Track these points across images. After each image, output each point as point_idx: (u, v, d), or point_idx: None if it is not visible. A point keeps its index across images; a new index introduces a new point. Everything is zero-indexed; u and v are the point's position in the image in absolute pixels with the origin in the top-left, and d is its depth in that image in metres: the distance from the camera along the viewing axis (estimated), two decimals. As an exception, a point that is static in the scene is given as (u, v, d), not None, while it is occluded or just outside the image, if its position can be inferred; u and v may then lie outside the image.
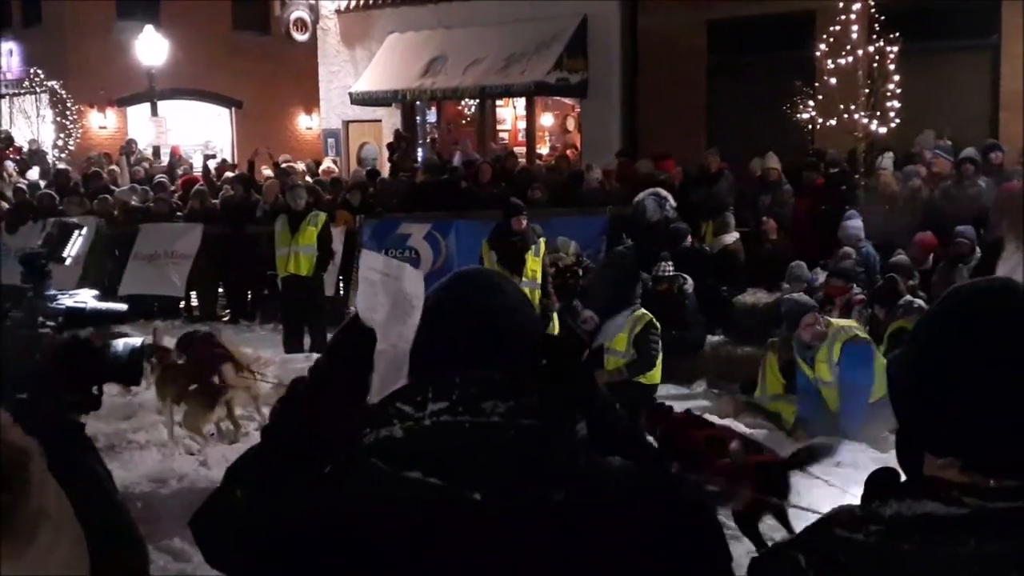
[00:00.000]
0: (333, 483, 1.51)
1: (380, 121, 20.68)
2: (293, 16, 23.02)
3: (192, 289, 14.49)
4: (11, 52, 25.38)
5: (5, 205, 16.28)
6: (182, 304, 14.64)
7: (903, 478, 1.39)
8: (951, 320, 1.38)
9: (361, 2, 20.57)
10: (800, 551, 1.35)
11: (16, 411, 1.22)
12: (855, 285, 9.77)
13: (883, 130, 13.07)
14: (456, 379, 1.52)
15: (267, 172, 17.77)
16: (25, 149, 22.11)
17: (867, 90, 13.20)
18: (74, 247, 3.03)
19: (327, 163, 19.67)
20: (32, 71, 24.03)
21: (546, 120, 21.48)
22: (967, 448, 1.32)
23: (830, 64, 13.35)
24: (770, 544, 5.14)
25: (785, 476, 5.51)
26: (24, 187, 17.07)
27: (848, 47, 13.32)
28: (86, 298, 2.59)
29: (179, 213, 15.18)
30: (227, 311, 14.58)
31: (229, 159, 23.16)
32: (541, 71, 17.30)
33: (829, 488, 5.83)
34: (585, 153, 17.97)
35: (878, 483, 1.37)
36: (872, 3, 13.50)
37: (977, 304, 1.38)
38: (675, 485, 1.56)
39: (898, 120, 13.07)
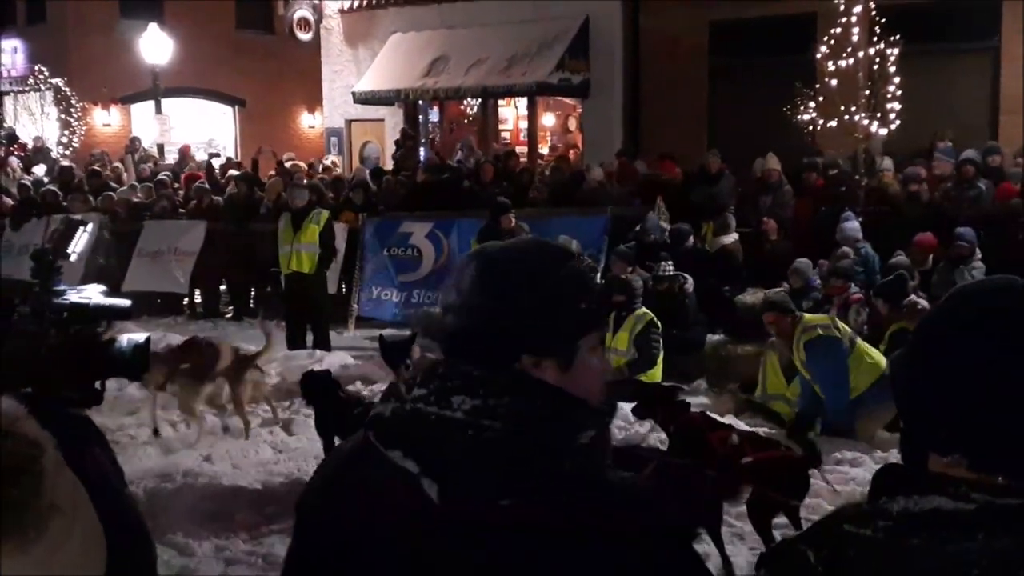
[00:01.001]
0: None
1: (383, 120, 20.73)
2: (297, 15, 23.09)
3: (195, 286, 14.56)
4: (15, 50, 25.45)
5: (9, 202, 16.37)
6: (185, 301, 14.71)
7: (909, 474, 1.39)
8: (955, 319, 1.38)
9: (364, 2, 20.62)
10: (809, 546, 1.35)
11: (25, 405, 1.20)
12: (852, 284, 9.82)
13: (883, 132, 13.11)
14: (441, 368, 1.52)
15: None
16: (30, 146, 22.18)
17: (868, 92, 13.24)
18: (79, 244, 3.08)
19: (328, 161, 19.73)
20: (36, 68, 24.10)
21: (548, 120, 21.51)
22: (972, 447, 1.32)
23: (831, 66, 13.39)
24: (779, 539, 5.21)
25: (805, 475, 5.53)
26: (28, 184, 17.16)
27: (849, 49, 13.36)
28: (92, 294, 2.62)
29: (182, 210, 15.24)
30: (230, 308, 14.64)
31: (233, 157, 23.23)
32: (543, 71, 17.33)
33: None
34: (587, 153, 18.02)
35: (885, 479, 1.37)
36: (873, 5, 13.54)
37: (981, 303, 1.38)
38: (663, 517, 1.47)
39: (899, 122, 13.10)
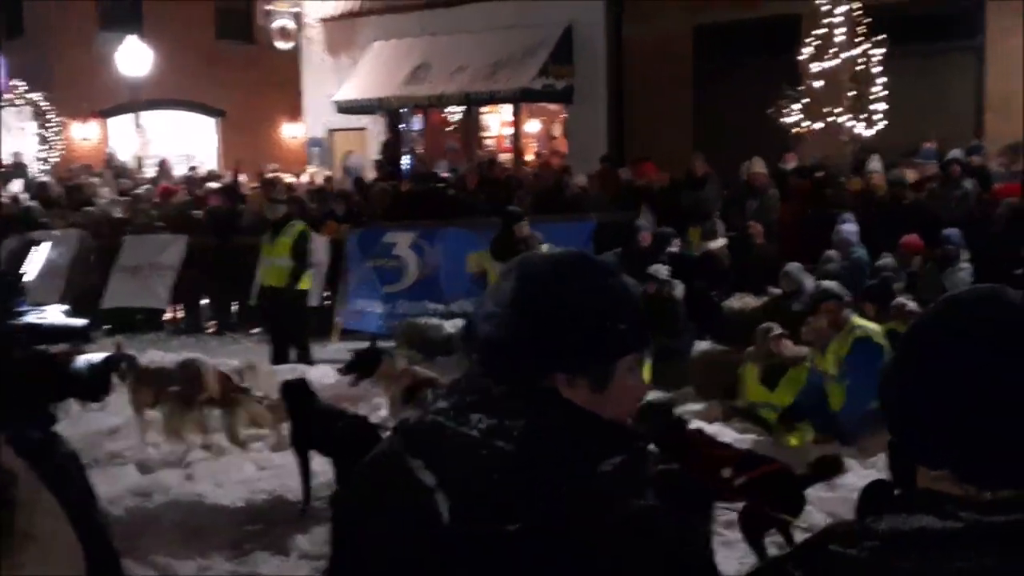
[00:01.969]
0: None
1: (365, 129, 20.65)
2: (277, 25, 22.95)
3: (177, 301, 14.39)
4: (-7, 64, 25.25)
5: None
6: (167, 316, 14.53)
7: (896, 491, 1.39)
8: (947, 325, 1.37)
9: (345, 10, 20.54)
10: (796, 567, 1.35)
11: None
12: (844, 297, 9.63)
13: (869, 133, 13.07)
14: (463, 382, 1.52)
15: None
16: (7, 162, 21.98)
17: (853, 93, 13.20)
18: (33, 262, 2.95)
19: (309, 173, 19.61)
20: (14, 83, 23.90)
21: (532, 127, 21.45)
22: (961, 459, 1.31)
23: (815, 67, 13.36)
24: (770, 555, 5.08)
25: (801, 491, 5.40)
26: (7, 200, 16.96)
27: (833, 50, 13.33)
28: (49, 314, 2.54)
29: (158, 224, 15.07)
30: (212, 323, 14.47)
31: (215, 169, 23.07)
32: (527, 77, 17.31)
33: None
34: (571, 159, 17.95)
35: (872, 496, 1.39)
36: (857, 6, 13.51)
37: (968, 312, 1.37)
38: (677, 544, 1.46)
39: (884, 122, 13.07)
